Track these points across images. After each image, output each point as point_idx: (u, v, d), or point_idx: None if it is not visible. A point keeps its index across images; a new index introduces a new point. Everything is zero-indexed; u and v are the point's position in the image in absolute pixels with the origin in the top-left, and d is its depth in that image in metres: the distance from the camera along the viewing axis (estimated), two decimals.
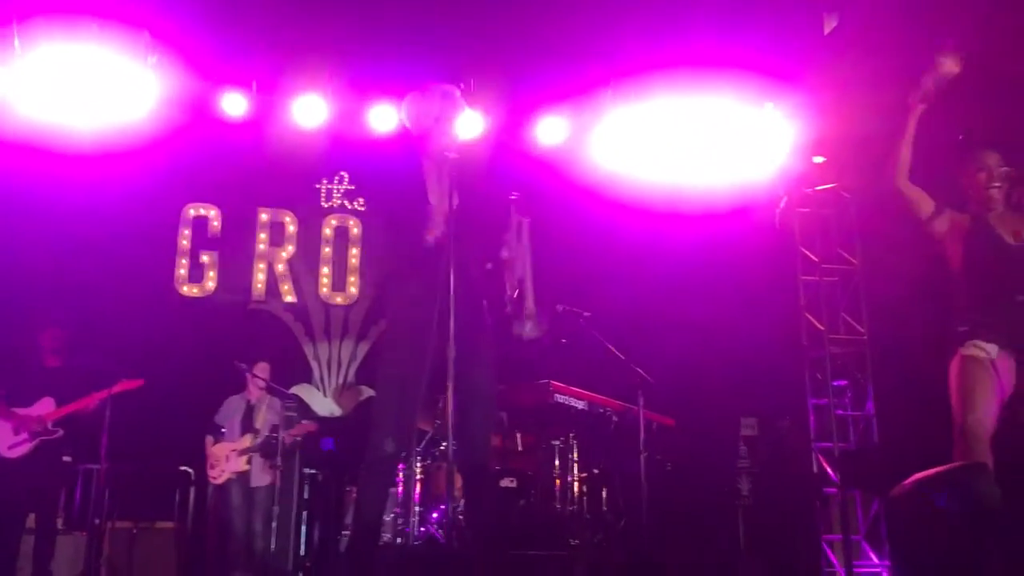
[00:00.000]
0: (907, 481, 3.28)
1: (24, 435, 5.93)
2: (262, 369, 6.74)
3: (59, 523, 6.32)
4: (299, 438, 6.76)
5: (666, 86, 7.10)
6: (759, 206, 7.56)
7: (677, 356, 6.75)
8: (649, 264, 7.37)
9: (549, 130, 7.37)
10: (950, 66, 3.89)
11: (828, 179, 7.58)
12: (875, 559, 6.71)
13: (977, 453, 3.65)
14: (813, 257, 7.51)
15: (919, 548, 3.45)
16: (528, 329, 3.63)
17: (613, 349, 5.18)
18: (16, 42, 6.51)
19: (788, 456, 6.97)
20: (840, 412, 7.20)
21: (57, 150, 6.89)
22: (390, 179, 3.89)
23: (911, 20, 5.49)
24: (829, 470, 7.02)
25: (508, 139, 7.35)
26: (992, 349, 3.82)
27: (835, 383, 7.22)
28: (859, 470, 6.55)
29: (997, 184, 3.99)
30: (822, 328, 7.30)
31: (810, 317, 7.40)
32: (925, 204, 4.05)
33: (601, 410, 5.59)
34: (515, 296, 3.66)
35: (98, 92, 6.75)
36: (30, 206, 7.22)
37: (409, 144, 3.87)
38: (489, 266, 3.67)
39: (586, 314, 5.17)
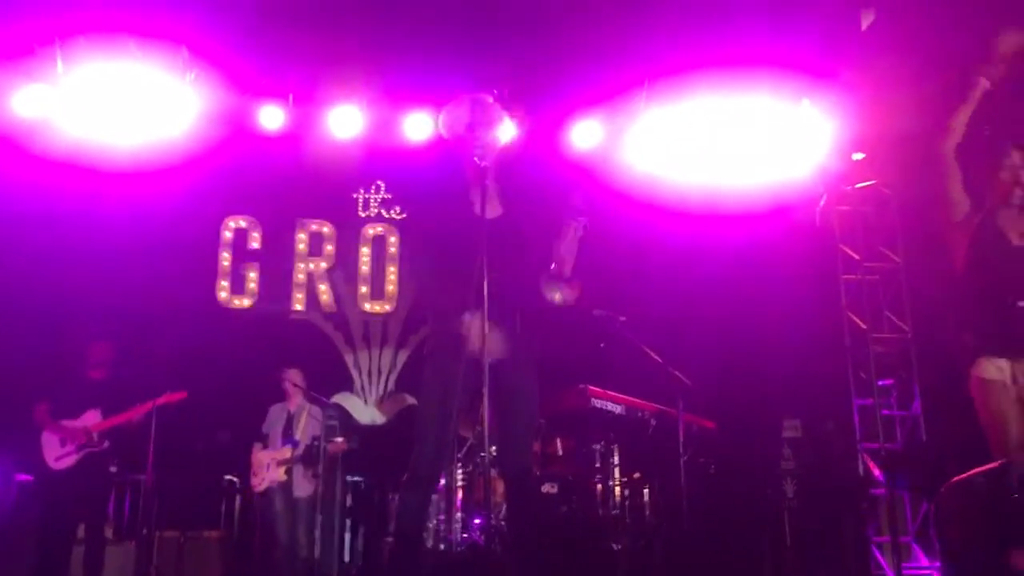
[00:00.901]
0: (950, 482, 3.22)
1: (71, 447, 6.03)
2: (294, 375, 6.78)
3: (109, 533, 6.43)
4: (337, 454, 6.78)
5: (701, 86, 7.05)
6: (798, 205, 7.47)
7: (717, 359, 6.69)
8: (686, 266, 7.31)
9: (584, 134, 7.36)
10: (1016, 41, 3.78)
11: (868, 176, 7.47)
12: (925, 560, 6.58)
13: None
14: (854, 255, 7.40)
15: (967, 548, 3.38)
16: (558, 295, 3.56)
17: (650, 352, 5.15)
18: (59, 62, 6.66)
19: (833, 458, 6.86)
20: (886, 412, 7.08)
21: (99, 167, 7.02)
22: (426, 188, 3.90)
23: (949, 12, 5.40)
24: (876, 471, 6.90)
25: (543, 144, 7.35)
26: (1004, 365, 3.67)
27: (880, 382, 7.10)
28: (906, 471, 6.44)
29: (1019, 184, 3.78)
30: (865, 327, 7.19)
31: (853, 316, 7.29)
32: (958, 191, 3.88)
33: (639, 414, 5.56)
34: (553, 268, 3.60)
35: (139, 109, 6.88)
36: (74, 223, 7.35)
37: (447, 154, 3.87)
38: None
39: (622, 318, 5.14)
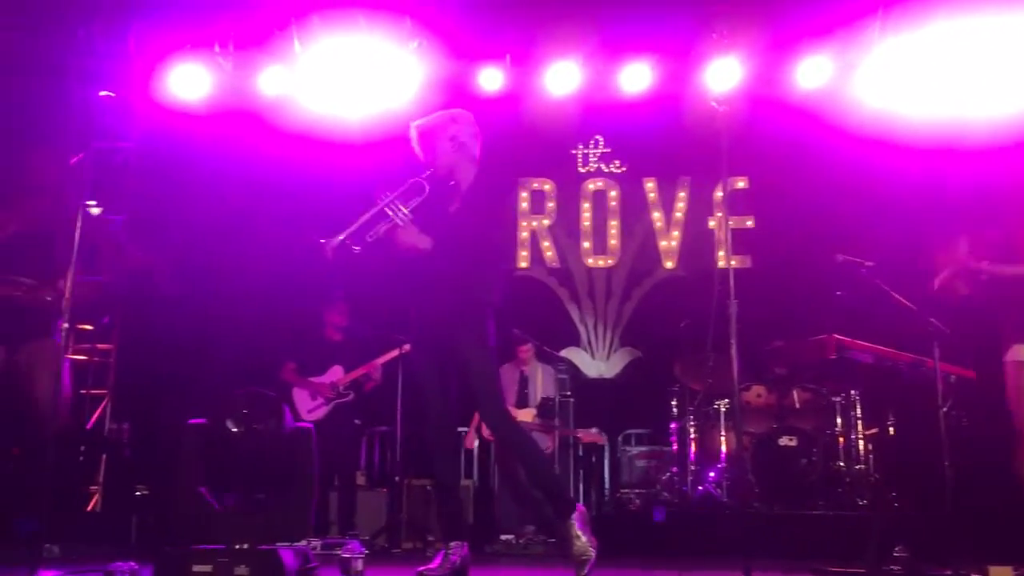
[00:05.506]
0: None
1: (320, 400, 6.51)
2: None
3: (362, 480, 6.90)
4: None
5: (943, 8, 6.51)
6: None
7: (974, 304, 6.20)
8: (932, 206, 6.83)
9: (811, 72, 6.98)
10: None
11: None
12: None
13: None
14: None
15: None
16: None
17: (901, 299, 4.83)
18: (296, 43, 7.07)
19: None
20: None
21: (334, 140, 7.41)
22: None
23: None
24: None
25: (767, 85, 7.06)
26: None
27: None
28: None
29: None
30: None
31: None
32: None
33: (890, 363, 5.25)
34: None
35: (368, 81, 7.19)
36: (311, 193, 7.83)
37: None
38: None
39: (868, 263, 4.85)
